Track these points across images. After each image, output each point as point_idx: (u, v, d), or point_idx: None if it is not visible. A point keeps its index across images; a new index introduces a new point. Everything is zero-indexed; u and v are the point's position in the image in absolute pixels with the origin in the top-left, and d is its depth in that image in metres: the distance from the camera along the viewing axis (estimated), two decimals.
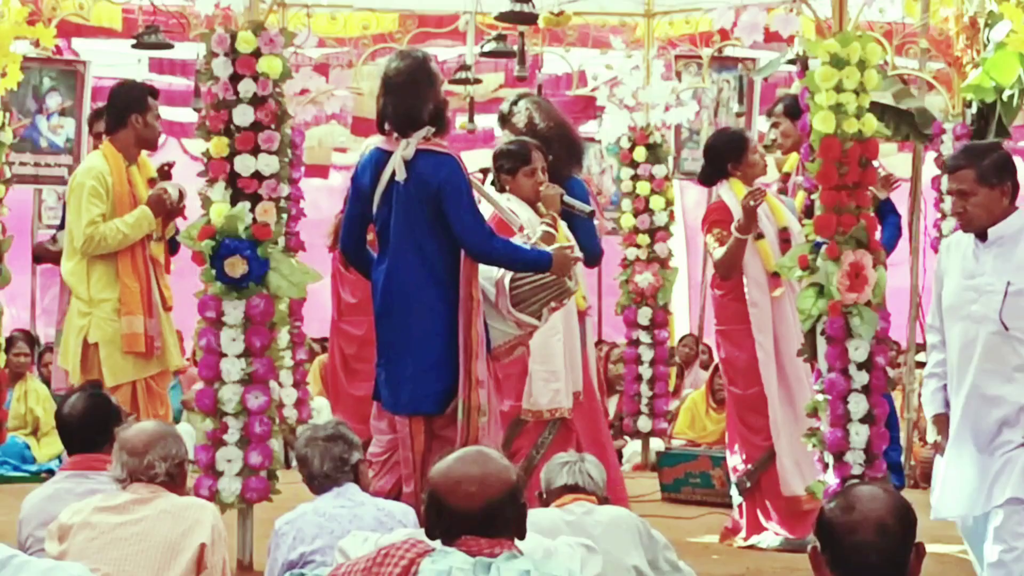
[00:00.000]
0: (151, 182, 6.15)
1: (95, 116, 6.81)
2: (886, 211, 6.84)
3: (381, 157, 5.19)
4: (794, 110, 6.51)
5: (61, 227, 6.74)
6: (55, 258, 6.64)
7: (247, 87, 5.36)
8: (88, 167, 6.12)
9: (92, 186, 5.96)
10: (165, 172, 6.29)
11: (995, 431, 4.65)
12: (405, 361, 5.14)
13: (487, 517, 2.92)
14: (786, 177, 6.91)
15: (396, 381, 5.17)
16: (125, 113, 6.09)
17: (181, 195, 6.13)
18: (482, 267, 5.27)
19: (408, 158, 5.13)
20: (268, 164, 5.35)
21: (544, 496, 4.56)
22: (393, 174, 5.13)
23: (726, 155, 6.46)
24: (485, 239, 5.17)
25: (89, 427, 4.47)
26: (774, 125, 6.80)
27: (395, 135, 5.16)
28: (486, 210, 5.56)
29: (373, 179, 5.20)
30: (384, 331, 5.22)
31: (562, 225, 5.97)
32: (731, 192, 6.40)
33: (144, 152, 6.26)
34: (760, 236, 6.30)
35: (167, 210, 6.09)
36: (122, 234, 5.94)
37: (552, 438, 6.02)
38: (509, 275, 5.32)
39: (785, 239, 6.34)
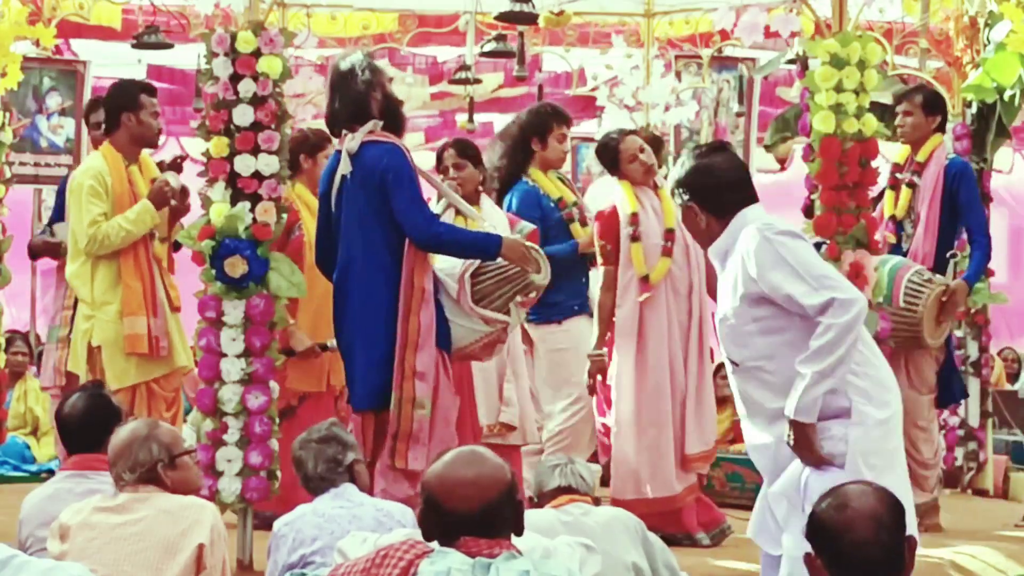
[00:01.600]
0: (153, 182, 6.13)
1: (91, 106, 6.80)
2: (980, 233, 6.63)
3: (336, 159, 5.26)
4: (932, 105, 6.53)
5: (52, 221, 6.73)
6: (52, 249, 6.61)
7: (247, 87, 5.36)
8: (86, 167, 6.10)
9: (91, 185, 5.95)
10: (177, 165, 6.26)
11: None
12: (357, 357, 5.19)
13: (485, 518, 2.92)
14: (897, 168, 6.74)
15: (351, 377, 5.25)
16: (117, 113, 6.08)
17: (184, 192, 6.10)
18: (445, 263, 5.27)
19: (352, 151, 5.17)
20: (268, 164, 5.35)
21: (536, 500, 4.55)
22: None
23: (602, 161, 6.32)
24: (426, 224, 5.14)
25: (89, 427, 4.47)
26: (906, 113, 6.65)
27: (343, 132, 5.22)
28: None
29: (328, 182, 5.26)
30: (340, 328, 5.26)
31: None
32: (622, 193, 6.21)
33: (147, 152, 6.25)
34: (636, 239, 6.07)
35: (169, 202, 6.05)
36: (125, 230, 5.90)
37: None
38: (471, 270, 5.28)
39: (670, 240, 6.08)
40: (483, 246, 5.24)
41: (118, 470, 3.96)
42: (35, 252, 6.79)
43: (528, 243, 5.33)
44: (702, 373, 6.13)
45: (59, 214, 6.65)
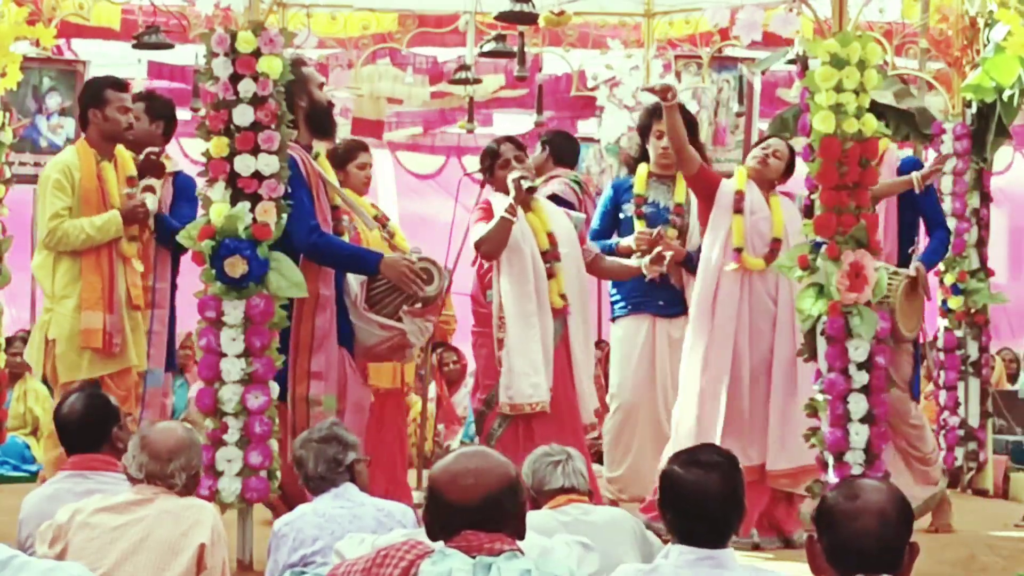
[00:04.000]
0: (131, 180, 6.11)
1: (136, 100, 6.82)
2: (936, 223, 6.78)
3: None
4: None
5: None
6: None
7: (247, 87, 5.36)
8: (55, 160, 6.11)
9: (56, 179, 5.95)
10: (152, 163, 6.20)
11: None
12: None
13: (486, 510, 2.92)
14: None
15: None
16: (85, 110, 6.11)
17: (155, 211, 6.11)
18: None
19: None
20: (268, 164, 5.35)
21: (536, 497, 4.55)
22: None
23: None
24: (304, 235, 5.43)
25: (87, 427, 4.47)
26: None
27: None
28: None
29: None
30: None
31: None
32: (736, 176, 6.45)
33: (121, 148, 6.21)
34: (739, 211, 6.25)
35: (139, 222, 6.06)
36: (86, 234, 5.91)
37: (503, 431, 6.09)
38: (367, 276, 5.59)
39: (776, 250, 6.26)
40: (361, 262, 5.58)
41: (173, 467, 3.97)
42: None
43: (418, 260, 5.55)
44: (792, 389, 6.15)
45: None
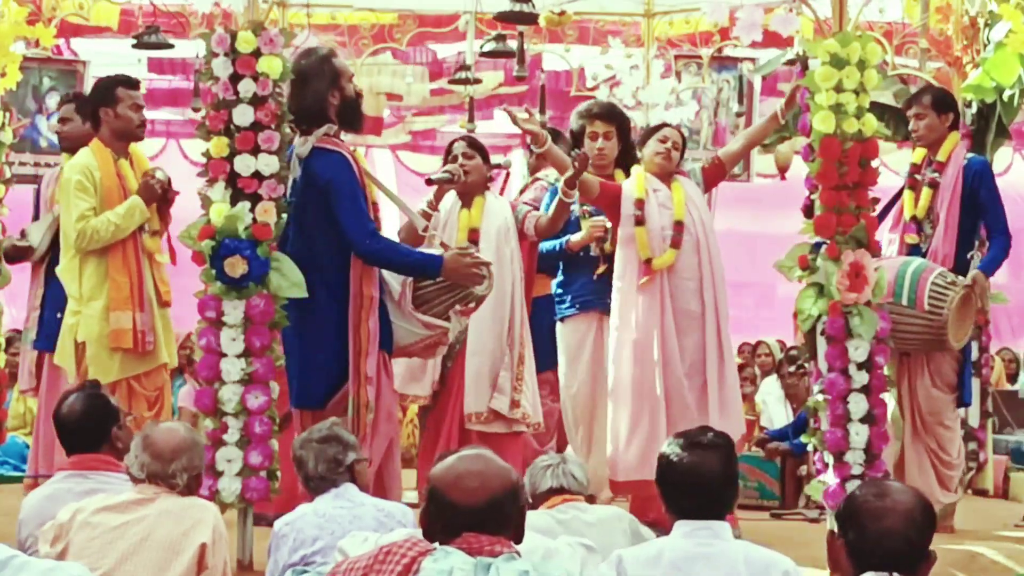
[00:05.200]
0: (146, 175, 6.13)
1: (64, 102, 6.82)
2: (997, 230, 6.60)
3: (294, 160, 5.39)
4: (941, 104, 6.58)
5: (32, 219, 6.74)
6: (24, 253, 6.62)
7: (247, 87, 5.35)
8: (74, 163, 6.12)
9: (78, 180, 5.96)
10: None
11: None
12: (296, 357, 5.34)
13: (489, 512, 2.92)
14: (915, 168, 6.74)
15: (291, 375, 5.39)
16: (96, 109, 6.11)
17: (168, 182, 6.13)
18: None
19: (303, 156, 5.31)
20: (268, 164, 5.35)
21: (530, 501, 4.55)
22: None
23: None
24: (365, 238, 5.26)
25: (88, 427, 4.47)
26: (918, 117, 6.67)
27: (299, 134, 5.36)
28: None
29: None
30: (285, 329, 5.38)
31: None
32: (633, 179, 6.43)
33: (135, 146, 6.24)
34: (640, 223, 6.21)
35: (157, 196, 6.06)
36: (114, 225, 5.92)
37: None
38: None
39: (679, 231, 6.21)
40: (421, 268, 5.37)
41: (175, 467, 3.97)
42: (8, 257, 6.74)
43: (474, 258, 5.42)
44: (723, 365, 6.17)
45: (35, 216, 6.66)
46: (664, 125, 6.64)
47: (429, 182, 6.34)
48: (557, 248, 6.64)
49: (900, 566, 2.90)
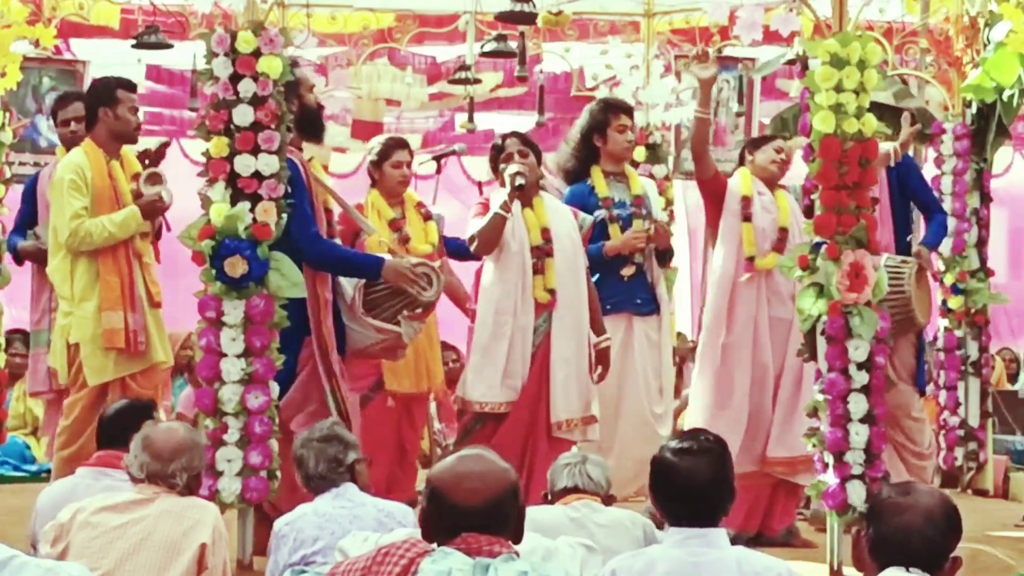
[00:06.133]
0: (136, 177, 6.13)
1: (59, 103, 6.80)
2: (932, 208, 6.99)
3: None
4: None
5: (17, 225, 6.69)
6: (41, 255, 6.57)
7: (247, 87, 5.35)
8: (66, 162, 6.11)
9: (71, 179, 5.96)
10: (161, 153, 6.25)
11: None
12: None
13: (489, 513, 2.92)
14: None
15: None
16: (95, 109, 6.11)
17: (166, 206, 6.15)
18: None
19: None
20: (268, 164, 5.35)
21: (549, 497, 4.56)
22: None
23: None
24: (309, 241, 5.47)
25: (117, 423, 4.54)
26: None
27: None
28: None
29: None
30: None
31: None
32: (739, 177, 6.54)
33: (127, 148, 6.23)
34: (748, 219, 6.36)
35: (157, 216, 6.13)
36: (108, 232, 5.93)
37: (478, 429, 6.14)
38: (365, 280, 5.61)
39: (783, 238, 6.36)
40: (362, 270, 5.60)
41: (174, 467, 3.98)
42: (25, 256, 6.73)
43: (419, 264, 5.60)
44: (801, 380, 6.24)
45: (24, 217, 6.63)
46: (781, 136, 6.82)
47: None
48: (593, 252, 6.57)
49: (919, 563, 2.93)
